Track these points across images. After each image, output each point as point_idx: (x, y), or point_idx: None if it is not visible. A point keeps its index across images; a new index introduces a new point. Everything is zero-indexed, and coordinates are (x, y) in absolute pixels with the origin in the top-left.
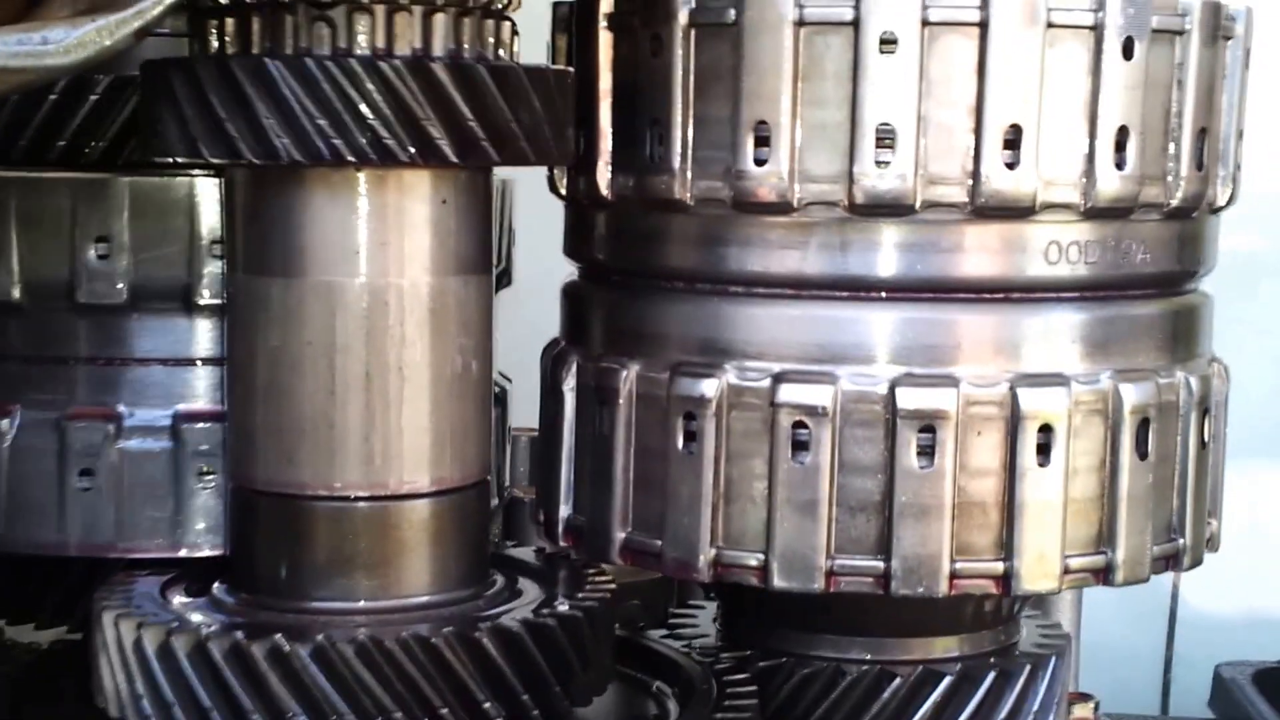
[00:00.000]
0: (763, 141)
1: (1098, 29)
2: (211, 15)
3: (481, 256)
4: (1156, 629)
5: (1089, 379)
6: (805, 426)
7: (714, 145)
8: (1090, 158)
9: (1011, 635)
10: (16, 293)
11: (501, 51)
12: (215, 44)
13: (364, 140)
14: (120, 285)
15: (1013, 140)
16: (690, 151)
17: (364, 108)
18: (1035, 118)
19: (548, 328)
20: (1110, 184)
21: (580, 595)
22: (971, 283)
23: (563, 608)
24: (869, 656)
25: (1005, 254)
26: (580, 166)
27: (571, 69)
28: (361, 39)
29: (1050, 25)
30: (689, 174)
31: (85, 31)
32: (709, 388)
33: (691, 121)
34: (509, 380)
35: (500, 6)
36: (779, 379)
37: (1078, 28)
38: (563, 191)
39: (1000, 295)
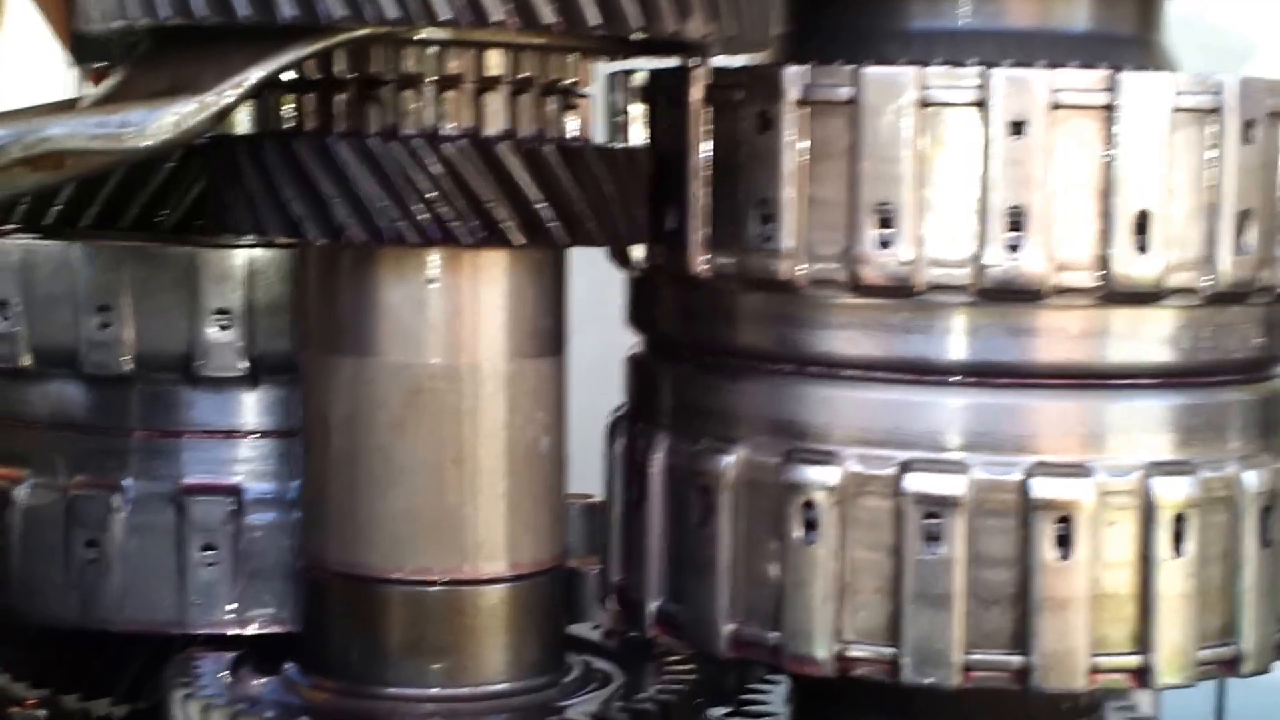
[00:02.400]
0: (885, 223)
1: (1219, 112)
2: (278, 92)
3: (555, 336)
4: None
5: (1214, 466)
6: (936, 517)
7: (827, 226)
8: (1212, 241)
9: None
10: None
11: (571, 129)
12: (283, 121)
13: (428, 221)
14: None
15: (1141, 224)
16: (802, 232)
17: (428, 188)
18: (1163, 202)
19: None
20: (1231, 268)
21: (659, 688)
22: (1100, 369)
23: (639, 702)
24: None
25: (1132, 341)
26: (668, 243)
27: (644, 144)
28: (427, 118)
29: (1176, 110)
30: (800, 255)
31: (165, 116)
32: (830, 475)
33: (802, 201)
34: None
35: (568, 83)
36: (906, 467)
37: (1199, 111)
38: (633, 264)
39: (1128, 382)
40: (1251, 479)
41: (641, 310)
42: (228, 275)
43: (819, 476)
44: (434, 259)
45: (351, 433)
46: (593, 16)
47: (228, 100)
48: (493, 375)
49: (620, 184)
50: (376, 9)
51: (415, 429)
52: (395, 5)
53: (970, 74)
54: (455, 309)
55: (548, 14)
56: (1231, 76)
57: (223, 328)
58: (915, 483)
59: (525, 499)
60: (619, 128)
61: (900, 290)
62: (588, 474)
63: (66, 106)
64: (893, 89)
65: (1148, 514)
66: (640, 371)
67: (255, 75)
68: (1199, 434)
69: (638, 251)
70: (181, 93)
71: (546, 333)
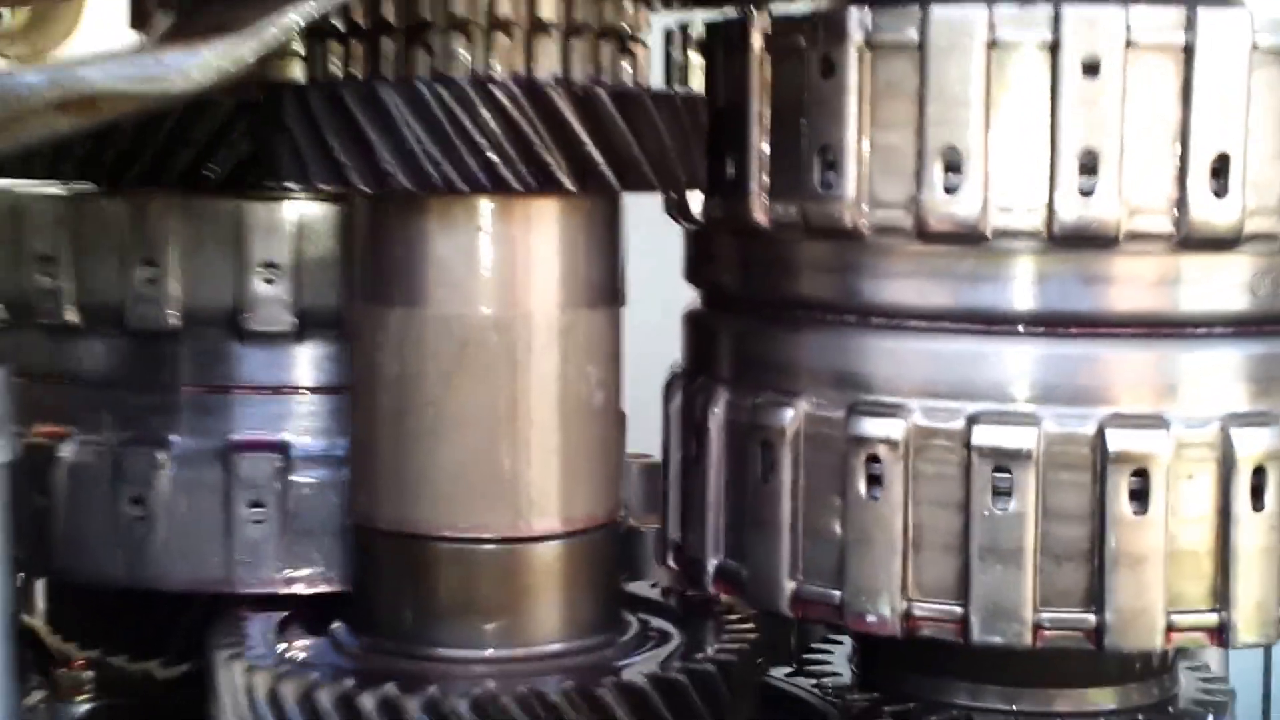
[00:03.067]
0: (951, 168)
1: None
2: (325, 39)
3: (611, 286)
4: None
5: None
6: (1006, 471)
7: (893, 172)
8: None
9: (1169, 689)
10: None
11: (626, 75)
12: (329, 68)
13: (477, 168)
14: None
15: (1218, 168)
16: (866, 178)
17: (476, 134)
18: (1241, 145)
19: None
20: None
21: (718, 647)
22: (1176, 318)
23: (698, 661)
24: (1008, 707)
25: (1208, 287)
26: (727, 193)
27: (703, 92)
28: (478, 64)
29: (1255, 48)
30: (864, 202)
31: (203, 56)
32: (895, 429)
33: (867, 147)
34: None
35: (624, 29)
36: (974, 420)
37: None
38: (691, 217)
39: (1204, 331)
40: None
41: (699, 264)
42: (276, 228)
43: (883, 430)
44: (484, 206)
45: (400, 386)
46: None
47: (265, 39)
48: (545, 326)
49: (677, 130)
50: None
51: (465, 381)
52: None
53: (1041, 13)
54: (505, 258)
55: None
56: None
57: (269, 281)
58: (984, 435)
59: (579, 454)
60: (677, 82)
61: (968, 237)
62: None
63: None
64: (961, 30)
65: (1226, 466)
66: (698, 327)
67: (294, 15)
68: (1278, 383)
69: (696, 204)
70: (222, 33)
71: (600, 283)
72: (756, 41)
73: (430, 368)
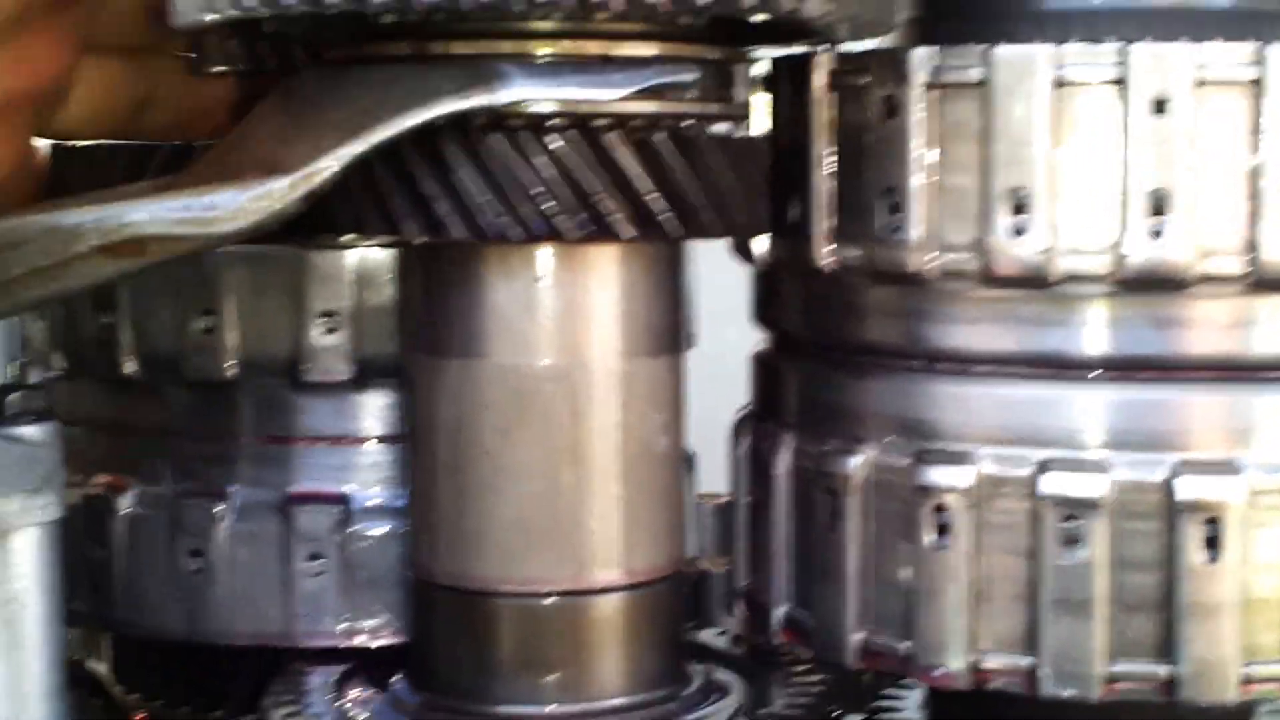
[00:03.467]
0: (1018, 209)
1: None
2: None
3: (673, 333)
4: None
5: None
6: (1075, 519)
7: (958, 215)
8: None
9: None
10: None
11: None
12: None
13: (532, 217)
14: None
15: None
16: (931, 221)
17: (532, 182)
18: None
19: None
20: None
21: (785, 702)
22: (1248, 361)
23: (761, 718)
24: None
25: None
26: (791, 235)
27: (765, 133)
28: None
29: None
30: (929, 246)
31: (253, 196)
32: (963, 477)
33: (931, 189)
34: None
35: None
36: (1043, 467)
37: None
38: (756, 257)
39: (1277, 374)
40: None
41: (765, 306)
42: (335, 277)
43: (951, 478)
44: (540, 256)
45: (458, 437)
46: None
47: (321, 178)
48: (605, 375)
49: (739, 173)
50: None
51: (524, 432)
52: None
53: (1108, 51)
54: (564, 307)
55: None
56: None
57: (329, 330)
58: (1053, 484)
59: (641, 504)
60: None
61: (1035, 280)
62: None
63: (147, 189)
64: (1026, 69)
65: None
66: (764, 369)
67: (350, 151)
68: None
69: (761, 245)
70: (270, 171)
71: (663, 330)
72: (820, 80)
73: (488, 419)
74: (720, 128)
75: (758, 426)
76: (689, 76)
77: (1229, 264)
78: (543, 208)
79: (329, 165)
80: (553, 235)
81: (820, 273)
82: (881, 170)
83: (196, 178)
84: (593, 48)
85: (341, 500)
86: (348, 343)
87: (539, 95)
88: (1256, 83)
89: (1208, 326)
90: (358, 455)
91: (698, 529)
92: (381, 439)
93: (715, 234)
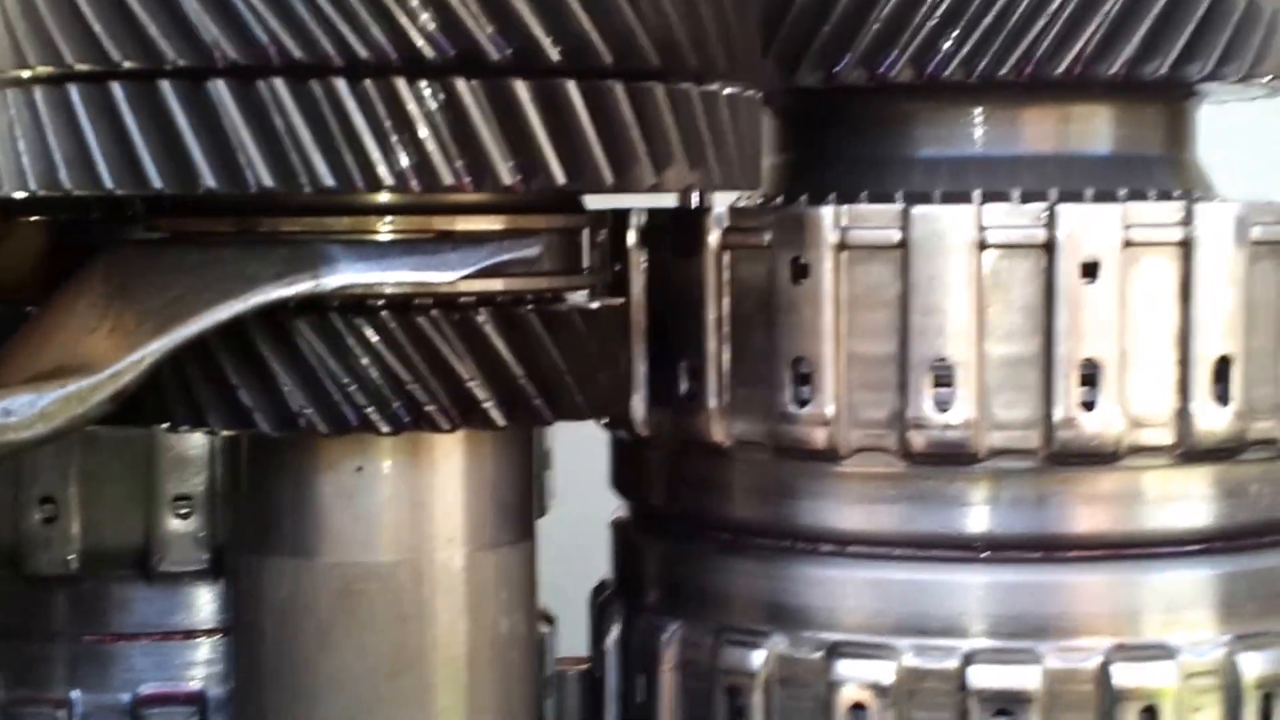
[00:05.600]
0: (940, 381)
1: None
2: None
3: (522, 520)
4: None
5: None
6: (1008, 713)
7: (756, 382)
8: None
9: None
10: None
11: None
12: None
13: (343, 408)
14: None
15: (1221, 372)
16: (730, 388)
17: (342, 370)
18: (1242, 346)
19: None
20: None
21: None
22: (1176, 536)
23: None
24: None
25: (1215, 501)
26: (679, 407)
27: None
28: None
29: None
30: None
31: (55, 401)
32: (882, 672)
33: (728, 356)
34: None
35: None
36: (970, 659)
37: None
38: (631, 430)
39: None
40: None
41: (634, 478)
42: (188, 459)
43: (869, 673)
44: (360, 445)
45: (279, 642)
46: (558, 173)
47: (127, 379)
48: (438, 573)
49: (582, 350)
50: (312, 175)
51: (346, 638)
52: (330, 172)
53: (1034, 210)
54: (387, 499)
55: (506, 174)
56: None
57: (182, 516)
58: (982, 676)
59: (488, 708)
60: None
61: (960, 457)
62: None
63: None
64: (948, 230)
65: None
66: (628, 546)
67: (160, 347)
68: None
69: (639, 413)
70: (75, 369)
71: (513, 519)
72: (714, 238)
73: (307, 623)
74: (575, 297)
75: (630, 610)
76: (533, 251)
77: (1159, 435)
78: (355, 399)
79: (136, 364)
80: (365, 427)
81: (714, 448)
82: (788, 338)
83: None
84: (432, 224)
85: (196, 699)
86: (202, 528)
87: (368, 280)
88: (1184, 243)
89: (1136, 500)
90: (210, 649)
91: (560, 697)
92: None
93: (583, 417)
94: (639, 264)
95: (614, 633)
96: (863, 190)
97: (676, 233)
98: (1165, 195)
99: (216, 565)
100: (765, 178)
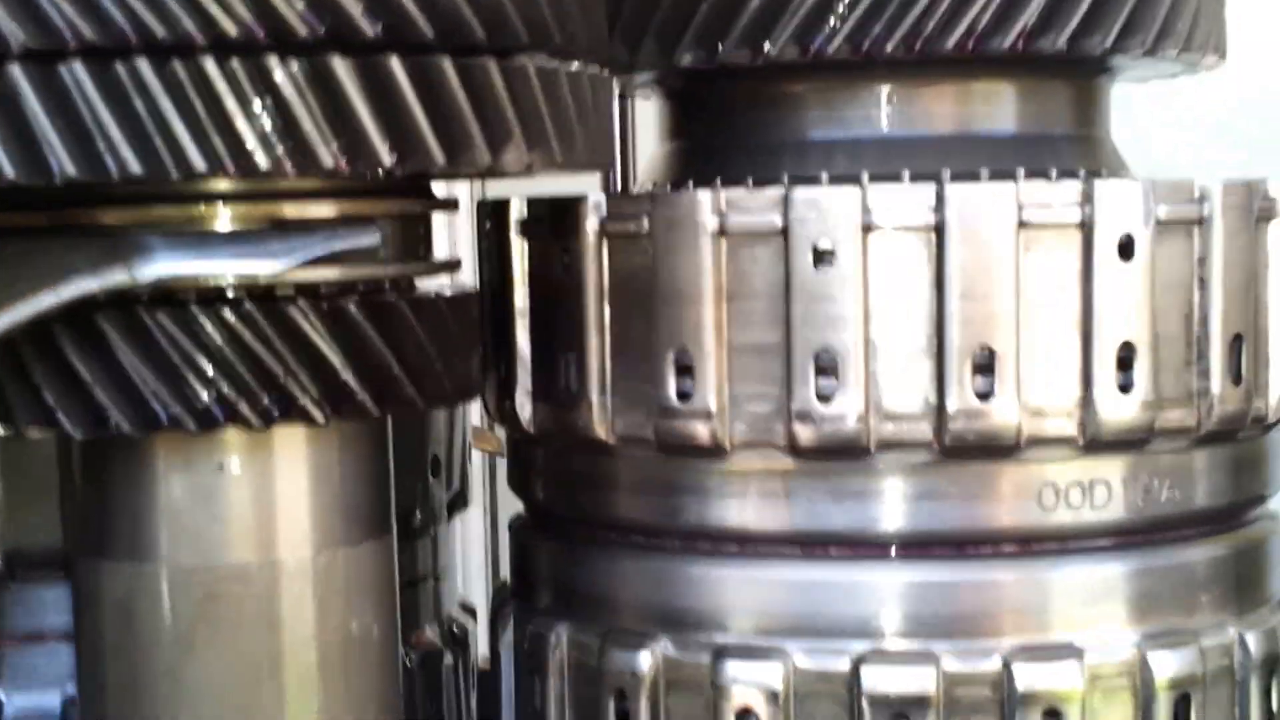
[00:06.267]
0: (819, 370)
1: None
2: None
3: (378, 515)
4: None
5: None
6: (904, 717)
7: (638, 376)
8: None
9: None
10: None
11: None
12: None
13: (211, 403)
14: None
15: (1124, 360)
16: (612, 382)
17: (206, 363)
18: (1147, 330)
19: None
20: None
21: None
22: (1069, 531)
23: None
24: None
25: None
26: (561, 401)
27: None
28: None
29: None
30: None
31: None
32: (771, 674)
33: (609, 349)
34: (473, 615)
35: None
36: (861, 661)
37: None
38: (516, 426)
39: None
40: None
41: (523, 476)
42: None
43: (758, 675)
44: (223, 442)
45: (134, 652)
46: (385, 154)
47: None
48: (293, 574)
49: (443, 337)
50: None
51: (210, 644)
52: (139, 160)
53: (924, 192)
54: (243, 500)
55: (326, 156)
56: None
57: None
58: (875, 679)
59: (342, 710)
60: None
61: (846, 451)
62: None
63: None
64: (832, 213)
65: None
66: (523, 546)
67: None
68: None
69: (525, 411)
70: None
71: (367, 514)
72: (591, 227)
73: (166, 630)
74: (426, 284)
75: (522, 614)
76: (370, 239)
77: (1060, 425)
78: (223, 391)
79: None
80: (234, 421)
81: (590, 443)
82: (664, 330)
83: None
84: (259, 211)
85: None
86: None
87: (186, 271)
88: (1083, 224)
89: (1033, 494)
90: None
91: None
92: (30, 637)
93: (416, 409)
94: (520, 254)
95: (508, 634)
96: (752, 176)
97: (554, 221)
98: (1070, 175)
99: (10, 570)
100: (656, 165)
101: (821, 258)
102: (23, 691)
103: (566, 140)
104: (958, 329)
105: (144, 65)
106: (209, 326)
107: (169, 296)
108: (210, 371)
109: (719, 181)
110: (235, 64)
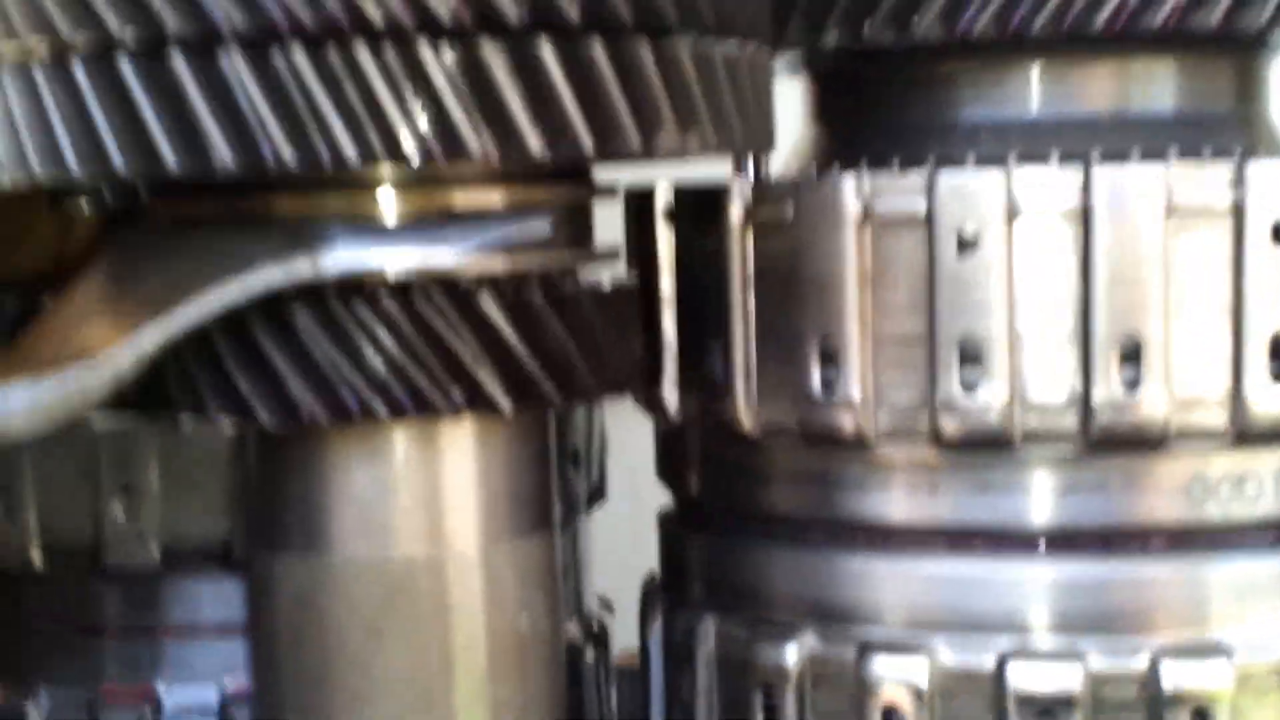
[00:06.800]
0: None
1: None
2: None
3: (540, 510)
4: None
5: None
6: (1049, 715)
7: (783, 365)
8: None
9: None
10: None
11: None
12: None
13: (400, 393)
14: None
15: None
16: (757, 372)
17: (400, 355)
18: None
19: None
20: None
21: None
22: (1220, 526)
23: None
24: None
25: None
26: (708, 391)
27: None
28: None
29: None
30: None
31: (48, 389)
32: (917, 670)
33: (754, 338)
34: (610, 609)
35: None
36: (1006, 658)
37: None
38: (664, 414)
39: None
40: None
41: (674, 466)
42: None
43: (904, 671)
44: (391, 436)
45: (318, 644)
46: (533, 141)
47: (119, 369)
48: (461, 567)
49: (617, 325)
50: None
51: (394, 635)
52: (293, 149)
53: (1069, 175)
54: (417, 493)
55: (475, 144)
56: None
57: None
58: (1020, 676)
59: (509, 702)
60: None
61: (991, 443)
62: None
63: None
64: (976, 198)
65: None
66: (673, 538)
67: (154, 333)
68: None
69: (672, 400)
70: (68, 361)
71: (530, 509)
72: (735, 212)
73: (353, 621)
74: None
75: (672, 606)
76: (542, 228)
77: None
78: (414, 381)
79: (133, 350)
80: (424, 410)
81: (738, 434)
82: (813, 316)
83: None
84: (429, 199)
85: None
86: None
87: (367, 260)
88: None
89: (1182, 488)
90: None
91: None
92: (190, 629)
93: (594, 398)
94: (666, 243)
95: (657, 627)
96: (898, 158)
97: (698, 210)
98: (1225, 155)
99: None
100: (803, 148)
101: (965, 244)
102: (181, 686)
103: (722, 122)
104: (1104, 317)
105: (298, 53)
106: (402, 317)
107: (357, 287)
108: (402, 362)
109: (864, 164)
110: (387, 51)
